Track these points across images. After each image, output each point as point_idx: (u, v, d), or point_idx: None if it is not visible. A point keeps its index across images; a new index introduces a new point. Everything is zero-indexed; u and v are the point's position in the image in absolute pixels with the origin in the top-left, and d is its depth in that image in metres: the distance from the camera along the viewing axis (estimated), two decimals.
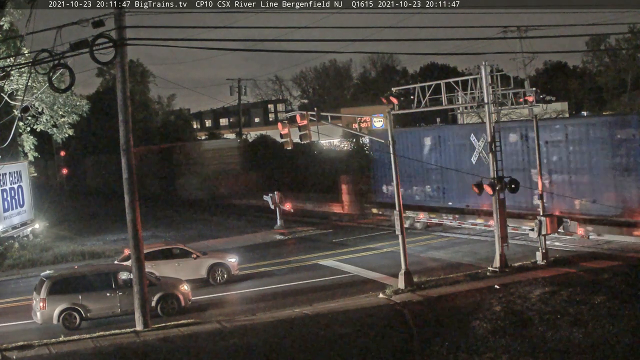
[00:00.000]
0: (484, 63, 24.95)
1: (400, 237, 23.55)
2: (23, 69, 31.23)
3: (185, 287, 23.04)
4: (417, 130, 37.86)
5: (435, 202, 33.41)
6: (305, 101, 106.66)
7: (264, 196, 39.52)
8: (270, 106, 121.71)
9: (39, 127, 38.12)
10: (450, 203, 32.55)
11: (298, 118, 23.66)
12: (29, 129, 38.16)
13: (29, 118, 37.68)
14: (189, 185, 61.26)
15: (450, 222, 32.56)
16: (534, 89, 31.83)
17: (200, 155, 62.23)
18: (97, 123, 67.67)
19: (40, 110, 37.32)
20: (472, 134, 30.81)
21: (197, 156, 62.29)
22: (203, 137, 73.77)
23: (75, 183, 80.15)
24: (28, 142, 38.67)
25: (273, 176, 55.37)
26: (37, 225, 40.04)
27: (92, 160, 79.99)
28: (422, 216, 34.02)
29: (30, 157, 39.66)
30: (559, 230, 26.46)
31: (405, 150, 32.49)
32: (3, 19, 34.00)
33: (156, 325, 20.34)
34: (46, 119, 37.71)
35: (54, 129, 38.71)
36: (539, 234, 24.99)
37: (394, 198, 31.37)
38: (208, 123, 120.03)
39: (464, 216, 31.69)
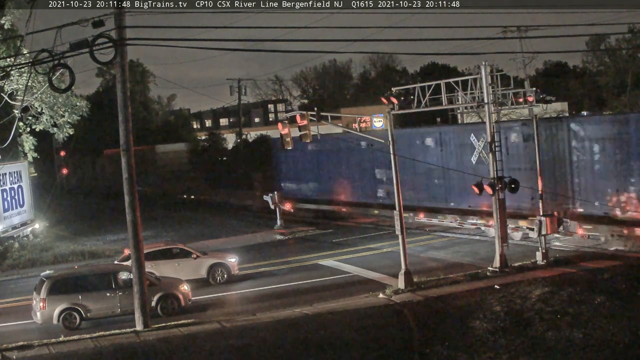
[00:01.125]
0: (484, 63, 24.94)
1: (400, 237, 23.55)
2: (23, 69, 31.19)
3: (185, 287, 23.03)
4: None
5: (317, 197, 41.60)
6: (305, 101, 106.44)
7: (264, 196, 39.40)
8: (270, 106, 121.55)
9: (38, 127, 38.11)
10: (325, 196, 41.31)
11: (298, 118, 23.62)
12: (29, 129, 38.15)
13: (29, 118, 37.66)
14: (145, 183, 66.91)
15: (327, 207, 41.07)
16: (534, 89, 31.78)
17: (155, 158, 68.68)
18: (97, 123, 68.13)
19: (40, 110, 37.29)
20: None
21: (153, 158, 68.90)
22: (203, 137, 74.07)
23: (74, 182, 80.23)
24: (28, 142, 38.65)
25: (215, 176, 62.64)
26: (37, 225, 40.02)
27: (88, 160, 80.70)
28: (308, 206, 41.66)
29: (30, 158, 39.63)
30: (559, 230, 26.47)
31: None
32: (4, 18, 33.97)
33: (156, 325, 20.34)
34: (46, 119, 37.69)
35: (55, 129, 38.72)
36: (539, 234, 24.97)
37: (290, 193, 42.26)
38: (208, 123, 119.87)
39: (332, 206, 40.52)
